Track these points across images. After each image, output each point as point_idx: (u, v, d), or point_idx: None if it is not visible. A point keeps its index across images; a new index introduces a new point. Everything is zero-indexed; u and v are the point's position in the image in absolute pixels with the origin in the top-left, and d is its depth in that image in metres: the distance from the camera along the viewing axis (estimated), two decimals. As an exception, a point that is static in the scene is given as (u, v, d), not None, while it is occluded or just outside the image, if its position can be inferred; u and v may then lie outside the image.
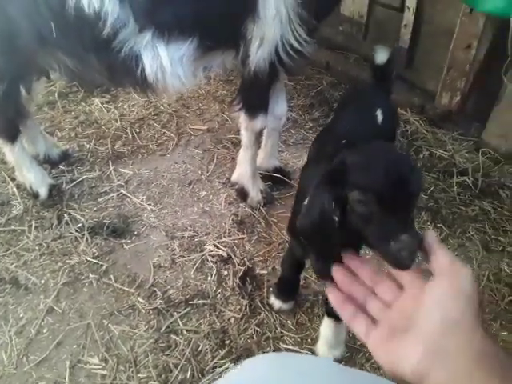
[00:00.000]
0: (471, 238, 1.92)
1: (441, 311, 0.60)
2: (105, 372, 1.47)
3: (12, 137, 1.93)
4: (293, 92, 2.77)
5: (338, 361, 1.47)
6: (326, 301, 1.48)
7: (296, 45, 1.61)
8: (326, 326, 1.45)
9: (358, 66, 2.85)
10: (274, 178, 2.14)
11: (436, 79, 2.44)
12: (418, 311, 0.63)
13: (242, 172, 2.02)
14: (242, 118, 1.84)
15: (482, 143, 2.31)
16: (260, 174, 2.13)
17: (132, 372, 1.46)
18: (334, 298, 0.73)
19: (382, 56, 1.58)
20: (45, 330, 1.58)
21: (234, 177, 2.06)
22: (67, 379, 1.45)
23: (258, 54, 1.61)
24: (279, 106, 1.95)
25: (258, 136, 1.96)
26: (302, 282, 1.70)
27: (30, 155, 2.09)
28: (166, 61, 1.55)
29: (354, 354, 1.53)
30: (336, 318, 1.40)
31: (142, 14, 1.46)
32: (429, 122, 2.48)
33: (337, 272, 0.76)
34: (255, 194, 2.00)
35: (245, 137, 1.91)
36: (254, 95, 1.78)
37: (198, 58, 1.63)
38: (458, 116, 2.42)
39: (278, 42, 1.58)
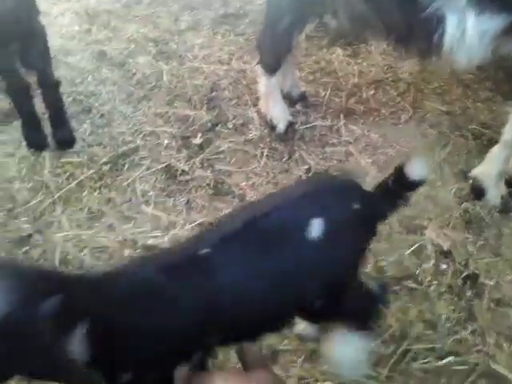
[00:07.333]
0: None
1: None
2: None
3: (273, 70, 2.04)
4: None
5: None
6: None
7: None
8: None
9: None
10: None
11: None
12: None
13: (484, 170, 1.84)
14: None
15: None
16: None
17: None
18: None
19: (417, 171, 1.08)
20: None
21: (476, 172, 1.89)
22: None
23: None
24: None
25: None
26: None
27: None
28: (470, 31, 1.43)
29: None
30: None
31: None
32: None
33: None
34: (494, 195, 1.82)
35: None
36: None
37: (501, 35, 1.48)
38: None
39: None
